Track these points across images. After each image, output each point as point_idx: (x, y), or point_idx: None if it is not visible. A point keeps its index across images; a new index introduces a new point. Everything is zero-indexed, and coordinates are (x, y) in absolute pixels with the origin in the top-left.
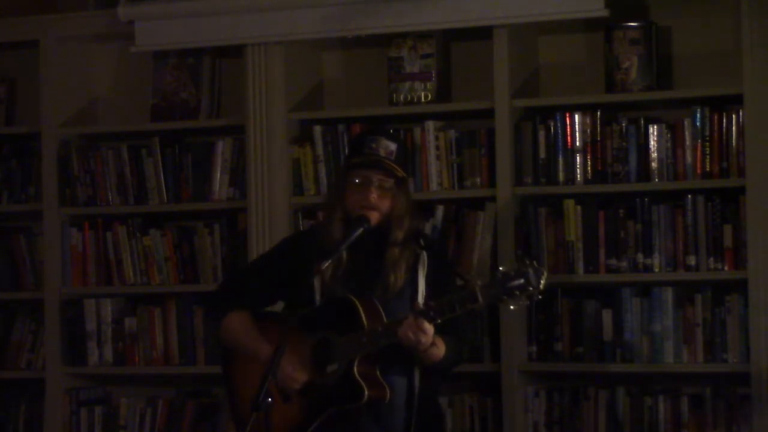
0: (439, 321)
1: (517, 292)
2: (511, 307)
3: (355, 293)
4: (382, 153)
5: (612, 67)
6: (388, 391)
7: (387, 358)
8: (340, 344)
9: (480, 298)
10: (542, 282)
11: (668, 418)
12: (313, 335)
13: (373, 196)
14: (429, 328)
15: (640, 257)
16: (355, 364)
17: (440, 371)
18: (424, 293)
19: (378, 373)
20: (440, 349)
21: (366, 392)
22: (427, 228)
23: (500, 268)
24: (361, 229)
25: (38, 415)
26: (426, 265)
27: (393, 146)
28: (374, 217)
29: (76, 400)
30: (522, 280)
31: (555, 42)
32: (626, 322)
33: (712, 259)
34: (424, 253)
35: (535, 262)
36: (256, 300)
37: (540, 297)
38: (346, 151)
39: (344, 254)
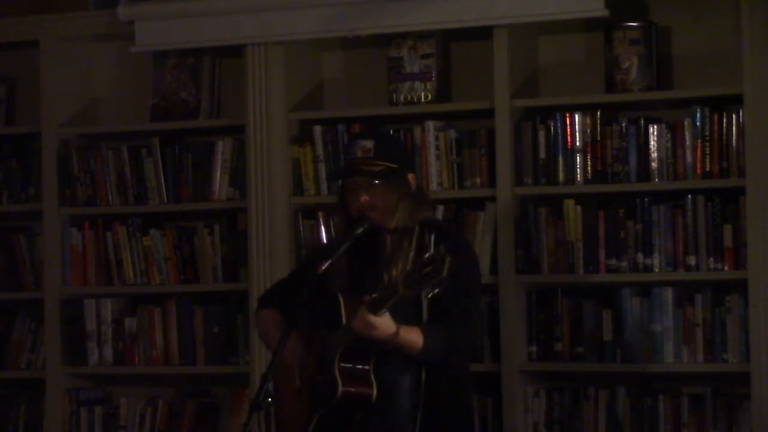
0: (383, 312)
1: (427, 279)
2: (429, 295)
3: (355, 291)
4: (359, 155)
5: (612, 67)
6: (374, 390)
7: (394, 355)
8: (329, 341)
9: (400, 288)
10: (445, 267)
11: (668, 418)
12: (318, 334)
13: (364, 198)
14: (376, 320)
15: (640, 257)
16: (336, 360)
17: (434, 360)
18: (433, 290)
19: (370, 369)
20: (413, 339)
21: (340, 388)
22: None
23: (426, 255)
24: (361, 229)
25: (38, 415)
26: None
27: (369, 144)
28: (375, 215)
29: (76, 400)
30: (430, 267)
31: (555, 42)
32: (626, 322)
33: (712, 259)
34: (432, 249)
35: (443, 248)
36: (284, 304)
37: (444, 277)
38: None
39: (344, 262)
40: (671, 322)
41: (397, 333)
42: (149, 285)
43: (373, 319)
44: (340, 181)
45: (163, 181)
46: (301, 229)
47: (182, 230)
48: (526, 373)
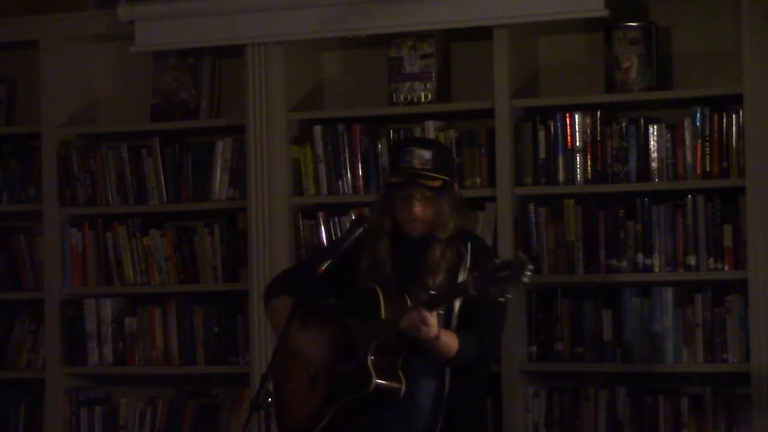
0: (440, 311)
1: (503, 283)
2: (500, 299)
3: (390, 287)
4: (417, 164)
5: (612, 67)
6: (403, 385)
7: (419, 356)
8: (359, 333)
9: (471, 288)
10: (525, 273)
11: (668, 418)
12: (343, 324)
13: (417, 209)
14: (430, 318)
15: (640, 257)
16: (369, 353)
17: (463, 368)
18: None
19: (399, 365)
20: (449, 344)
21: (374, 381)
22: None
23: (495, 260)
24: (361, 229)
25: (38, 415)
26: (468, 269)
27: (428, 154)
28: (417, 228)
29: (76, 400)
30: (508, 271)
31: (555, 42)
32: (626, 322)
33: (712, 259)
34: (468, 258)
35: (522, 254)
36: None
37: (523, 284)
38: (387, 163)
39: (389, 263)
40: (671, 322)
41: (438, 336)
42: (149, 285)
43: (428, 316)
44: (387, 189)
45: (163, 181)
46: (301, 229)
47: (182, 230)
48: (526, 373)
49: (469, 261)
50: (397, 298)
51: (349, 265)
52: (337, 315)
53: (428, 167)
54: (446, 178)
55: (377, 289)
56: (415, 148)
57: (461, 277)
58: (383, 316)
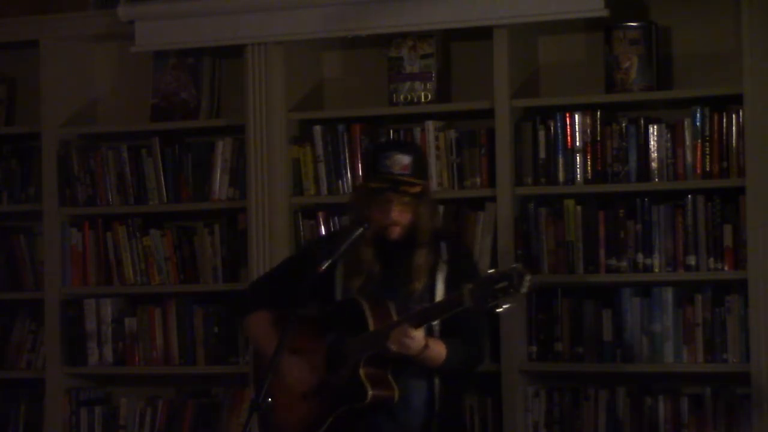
0: (434, 323)
1: (501, 294)
2: (498, 310)
3: (373, 297)
4: (396, 170)
5: (612, 67)
6: (396, 392)
7: (407, 360)
8: (349, 345)
9: (467, 301)
10: (524, 284)
11: (668, 418)
12: (328, 336)
13: (394, 213)
14: (416, 333)
15: (640, 257)
16: (361, 364)
17: (452, 373)
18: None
19: (389, 374)
20: (438, 351)
21: (370, 392)
22: None
23: (489, 271)
24: (361, 230)
25: (38, 415)
26: (446, 273)
27: (407, 159)
28: (396, 231)
29: (76, 400)
30: (505, 283)
31: (555, 42)
32: (626, 322)
33: (712, 259)
34: (445, 258)
35: (520, 265)
36: (279, 302)
37: (523, 294)
38: (361, 168)
39: (377, 266)
40: (671, 322)
41: (426, 346)
42: (149, 285)
43: (415, 332)
44: (363, 194)
45: (163, 181)
46: (301, 229)
47: (182, 230)
48: (526, 373)
49: (447, 267)
50: (382, 308)
51: (309, 266)
52: (320, 326)
53: (407, 173)
54: (425, 183)
55: (360, 300)
56: (394, 153)
57: (440, 277)
58: (371, 328)
